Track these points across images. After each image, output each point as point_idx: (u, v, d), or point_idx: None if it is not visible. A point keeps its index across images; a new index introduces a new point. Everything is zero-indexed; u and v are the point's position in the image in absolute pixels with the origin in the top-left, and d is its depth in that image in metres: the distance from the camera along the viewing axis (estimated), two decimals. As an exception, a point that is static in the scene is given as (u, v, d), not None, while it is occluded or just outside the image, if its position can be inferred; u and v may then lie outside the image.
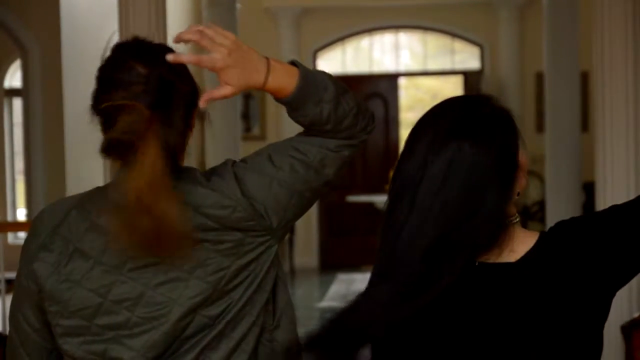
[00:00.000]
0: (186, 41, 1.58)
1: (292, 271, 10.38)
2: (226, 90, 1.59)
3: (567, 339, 1.50)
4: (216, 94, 1.59)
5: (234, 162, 1.72)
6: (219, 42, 1.57)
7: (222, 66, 1.57)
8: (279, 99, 1.66)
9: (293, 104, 1.65)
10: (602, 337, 1.55)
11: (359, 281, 9.68)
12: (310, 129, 1.70)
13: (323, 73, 1.68)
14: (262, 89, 1.63)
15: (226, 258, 1.65)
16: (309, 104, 1.64)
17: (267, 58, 1.62)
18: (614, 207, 1.55)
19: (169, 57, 1.59)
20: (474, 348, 1.51)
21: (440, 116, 1.57)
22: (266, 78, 1.61)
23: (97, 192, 1.71)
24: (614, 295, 1.53)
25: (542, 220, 8.93)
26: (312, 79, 1.65)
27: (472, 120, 1.54)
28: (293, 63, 1.67)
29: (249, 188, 1.66)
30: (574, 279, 1.50)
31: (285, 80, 1.63)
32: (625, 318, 3.81)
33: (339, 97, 1.66)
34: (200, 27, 1.57)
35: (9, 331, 1.74)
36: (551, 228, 1.56)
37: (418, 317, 1.51)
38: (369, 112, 1.74)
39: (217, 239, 1.64)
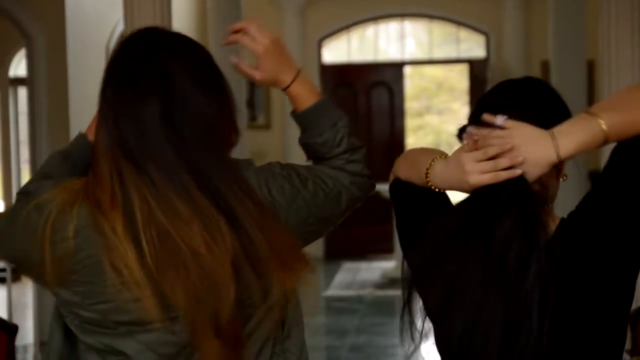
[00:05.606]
0: (235, 43, 1.78)
1: (298, 260, 10.36)
2: (256, 74, 1.77)
3: (591, 324, 1.51)
4: (247, 68, 1.77)
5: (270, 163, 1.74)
6: (259, 41, 1.75)
7: (262, 52, 1.75)
8: (296, 114, 1.79)
9: (308, 118, 1.77)
10: (625, 324, 1.56)
11: (364, 270, 9.63)
12: (320, 153, 1.77)
13: (340, 109, 1.82)
14: (284, 90, 1.78)
15: None
16: (324, 124, 1.76)
17: (299, 69, 1.80)
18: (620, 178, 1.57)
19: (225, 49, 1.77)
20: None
21: None
22: (292, 81, 1.77)
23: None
24: (635, 279, 1.54)
25: (547, 208, 8.92)
26: (331, 105, 1.80)
27: None
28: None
29: (275, 192, 1.66)
30: (596, 263, 1.53)
31: (307, 93, 1.79)
32: (632, 306, 3.80)
33: (351, 131, 1.80)
34: (243, 26, 1.76)
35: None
36: (572, 212, 1.60)
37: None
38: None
39: None
